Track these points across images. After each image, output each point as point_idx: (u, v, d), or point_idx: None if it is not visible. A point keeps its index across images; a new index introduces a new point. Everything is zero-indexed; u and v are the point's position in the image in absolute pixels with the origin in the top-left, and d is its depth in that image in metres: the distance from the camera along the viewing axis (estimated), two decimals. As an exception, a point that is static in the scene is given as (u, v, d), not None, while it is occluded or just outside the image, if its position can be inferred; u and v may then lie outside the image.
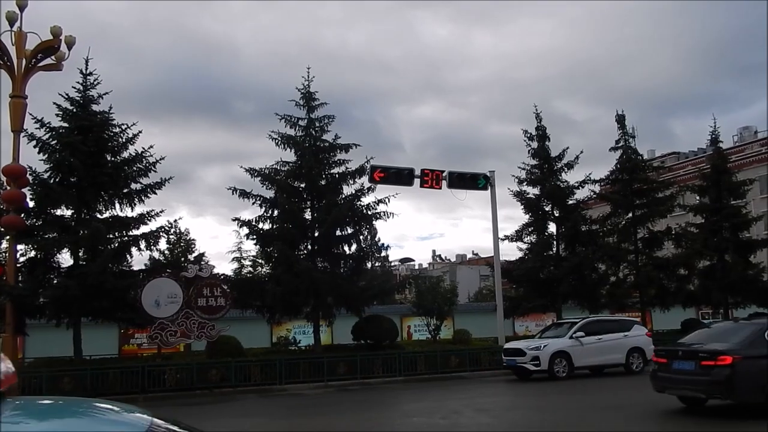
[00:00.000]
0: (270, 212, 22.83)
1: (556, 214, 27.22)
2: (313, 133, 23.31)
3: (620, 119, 29.45)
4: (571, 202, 27.62)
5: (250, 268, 32.17)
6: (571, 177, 27.64)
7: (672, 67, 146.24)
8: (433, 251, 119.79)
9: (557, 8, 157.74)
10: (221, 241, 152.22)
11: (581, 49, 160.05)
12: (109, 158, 21.13)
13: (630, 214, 29.11)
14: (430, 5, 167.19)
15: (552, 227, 27.44)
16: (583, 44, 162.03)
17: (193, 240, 35.46)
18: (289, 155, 23.38)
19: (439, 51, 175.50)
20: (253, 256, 33.13)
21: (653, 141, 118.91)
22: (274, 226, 22.93)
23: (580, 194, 28.20)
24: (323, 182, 23.13)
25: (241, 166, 23.14)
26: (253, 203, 22.73)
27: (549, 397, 16.27)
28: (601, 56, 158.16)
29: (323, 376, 20.11)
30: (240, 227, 23.34)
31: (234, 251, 38.13)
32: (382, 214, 22.76)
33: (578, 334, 19.75)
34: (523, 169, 27.60)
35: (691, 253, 29.06)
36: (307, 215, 23.18)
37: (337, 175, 23.27)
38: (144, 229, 21.18)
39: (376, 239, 23.24)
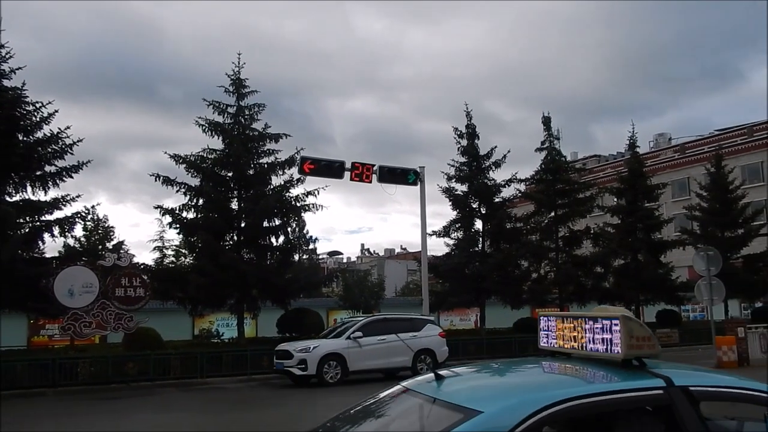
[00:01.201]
0: (195, 201, 22.17)
1: (483, 212, 27.68)
2: (243, 121, 22.79)
3: (546, 121, 30.16)
4: (497, 199, 28.15)
5: (173, 258, 31.21)
6: (498, 175, 28.25)
7: (596, 74, 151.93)
8: (362, 245, 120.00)
9: (490, 11, 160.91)
10: (142, 230, 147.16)
11: (512, 53, 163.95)
12: (21, 138, 19.94)
13: (552, 213, 29.90)
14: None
15: (478, 224, 27.91)
16: (514, 48, 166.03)
17: (112, 227, 34.02)
18: (217, 143, 22.80)
19: (373, 46, 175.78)
20: (176, 245, 32.18)
21: (576, 143, 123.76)
22: (199, 216, 22.29)
23: (506, 192, 28.81)
24: (251, 172, 22.66)
25: (166, 152, 22.34)
26: (177, 191, 22.02)
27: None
28: (530, 60, 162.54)
29: (246, 369, 19.70)
30: (163, 215, 22.60)
31: (156, 240, 36.95)
32: (311, 206, 22.54)
33: (356, 335, 17.92)
34: (453, 166, 27.93)
35: (607, 252, 30.15)
36: (234, 205, 22.65)
37: (266, 165, 22.84)
38: (58, 214, 20.19)
39: (305, 231, 23.04)
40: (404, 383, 3.31)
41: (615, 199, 33.37)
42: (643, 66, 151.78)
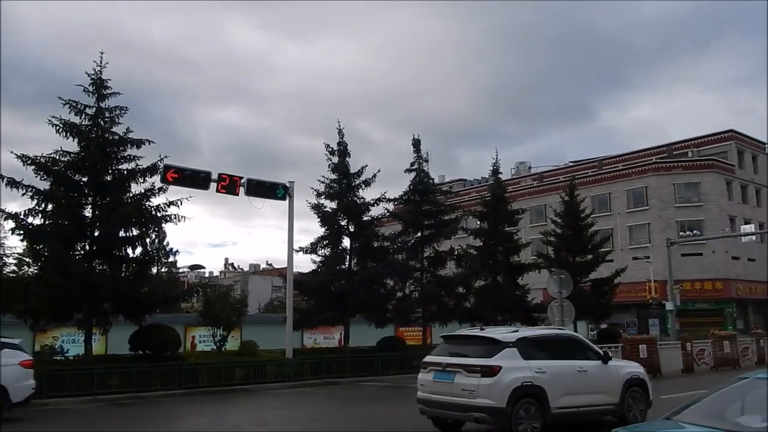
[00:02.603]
0: (43, 206, 20.44)
1: (351, 229, 27.72)
2: (102, 123, 21.40)
3: (416, 143, 30.89)
4: (366, 218, 28.26)
5: (14, 268, 28.56)
6: (367, 194, 28.35)
7: (464, 101, 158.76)
8: (226, 259, 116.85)
9: (365, 33, 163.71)
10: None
11: (383, 74, 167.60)
12: None
13: (419, 234, 30.57)
14: (242, 7, 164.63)
15: (346, 242, 27.89)
16: (385, 70, 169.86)
17: (-57, 231, 30.69)
18: (72, 145, 21.18)
19: (246, 56, 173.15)
20: (18, 254, 29.55)
21: (443, 167, 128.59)
22: (47, 222, 20.58)
23: (375, 211, 29.02)
24: (109, 178, 21.26)
25: (12, 152, 20.42)
26: (24, 194, 20.13)
27: (326, 409, 16.32)
28: (401, 83, 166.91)
29: (92, 389, 18.33)
30: (4, 220, 20.62)
31: (-6, 247, 33.77)
32: (172, 216, 21.43)
33: None
34: (323, 182, 27.79)
35: (469, 273, 31.17)
36: (88, 212, 21.12)
37: (125, 172, 21.52)
38: None
39: (165, 243, 21.91)
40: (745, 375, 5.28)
41: (478, 222, 34.60)
42: (508, 97, 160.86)
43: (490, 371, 10.20)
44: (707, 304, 49.87)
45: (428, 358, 11.48)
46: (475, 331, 11.96)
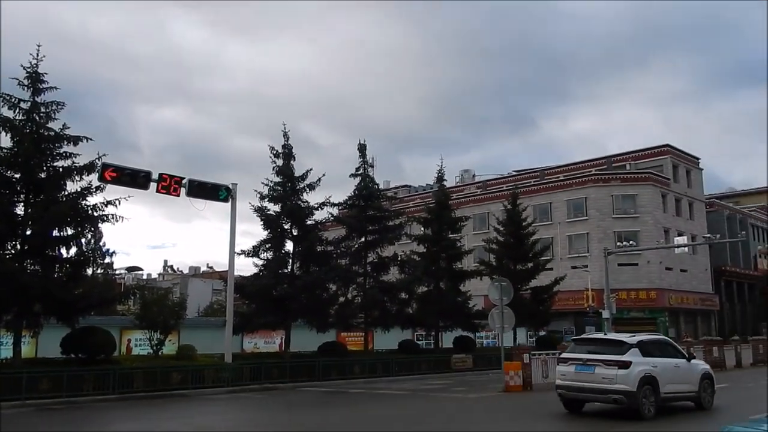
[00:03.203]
0: (-29, 203, 19.58)
1: (295, 233, 27.47)
2: (37, 118, 20.65)
3: (362, 148, 30.94)
4: (309, 222, 28.01)
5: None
6: (312, 198, 28.04)
7: (410, 108, 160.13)
8: (165, 261, 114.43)
9: (313, 36, 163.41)
10: None
11: (331, 78, 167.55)
12: None
13: (363, 239, 30.58)
14: (187, 5, 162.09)
15: (289, 245, 27.60)
16: (333, 74, 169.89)
17: None
18: (5, 140, 20.37)
19: (191, 55, 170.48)
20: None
21: (388, 173, 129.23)
22: (-24, 220, 19.71)
23: (319, 215, 28.68)
24: (43, 175, 20.52)
25: (-62, 146, 19.53)
26: (-50, 190, 19.29)
27: (269, 414, 16.15)
28: (348, 87, 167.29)
29: (21, 393, 17.63)
30: (-71, 217, 19.61)
31: None
32: (109, 216, 20.80)
33: None
34: (267, 185, 27.43)
35: (412, 279, 31.36)
36: (20, 210, 20.34)
37: (60, 169, 20.79)
38: None
39: (101, 243, 21.20)
40: None
41: (422, 229, 34.88)
42: (454, 105, 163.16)
43: (625, 365, 13.48)
44: (641, 313, 51.56)
45: (567, 355, 14.81)
46: (601, 335, 16.28)
